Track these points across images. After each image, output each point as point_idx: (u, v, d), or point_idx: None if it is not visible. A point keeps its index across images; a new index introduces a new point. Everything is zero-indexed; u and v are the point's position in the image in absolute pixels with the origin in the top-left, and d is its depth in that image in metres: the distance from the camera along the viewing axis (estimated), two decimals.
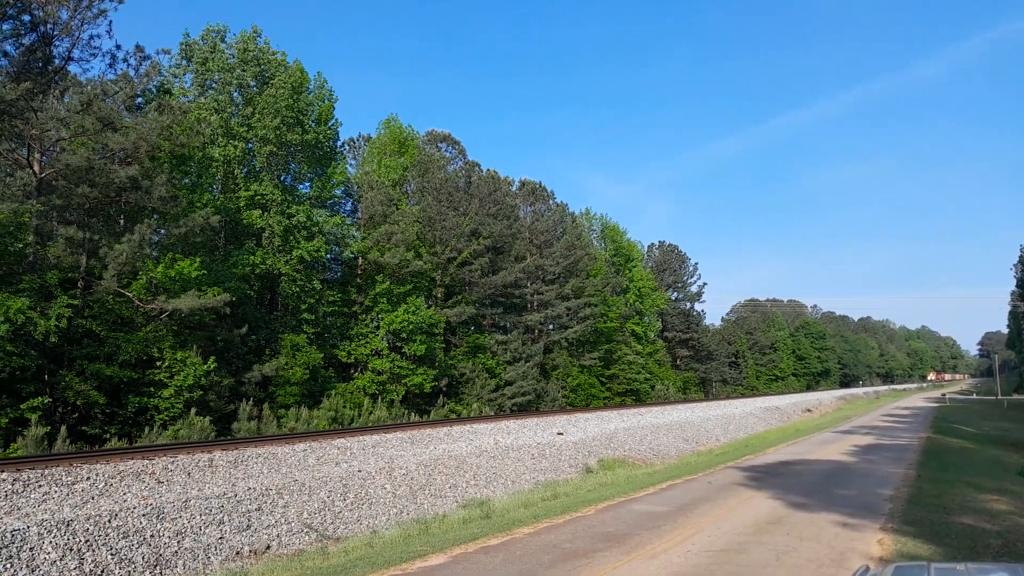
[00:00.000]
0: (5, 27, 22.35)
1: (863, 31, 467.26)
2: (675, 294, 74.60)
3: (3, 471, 11.76)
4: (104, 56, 25.07)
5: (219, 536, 11.60)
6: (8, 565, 9.19)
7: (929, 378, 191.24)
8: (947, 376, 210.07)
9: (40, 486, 11.47)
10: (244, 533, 11.97)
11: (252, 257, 29.06)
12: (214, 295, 23.63)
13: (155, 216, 25.19)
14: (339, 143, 37.15)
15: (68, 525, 10.19)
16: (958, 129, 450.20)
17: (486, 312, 42.60)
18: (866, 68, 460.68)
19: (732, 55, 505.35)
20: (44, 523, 10.02)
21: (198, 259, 24.81)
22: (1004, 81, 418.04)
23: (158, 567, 10.46)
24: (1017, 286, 75.65)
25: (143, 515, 11.12)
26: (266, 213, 30.66)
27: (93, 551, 10.05)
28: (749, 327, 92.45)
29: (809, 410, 57.18)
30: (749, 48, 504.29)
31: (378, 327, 33.48)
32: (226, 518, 12.03)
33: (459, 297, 40.17)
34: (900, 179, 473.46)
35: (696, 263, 77.00)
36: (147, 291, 23.34)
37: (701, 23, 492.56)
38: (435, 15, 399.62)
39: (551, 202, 53.23)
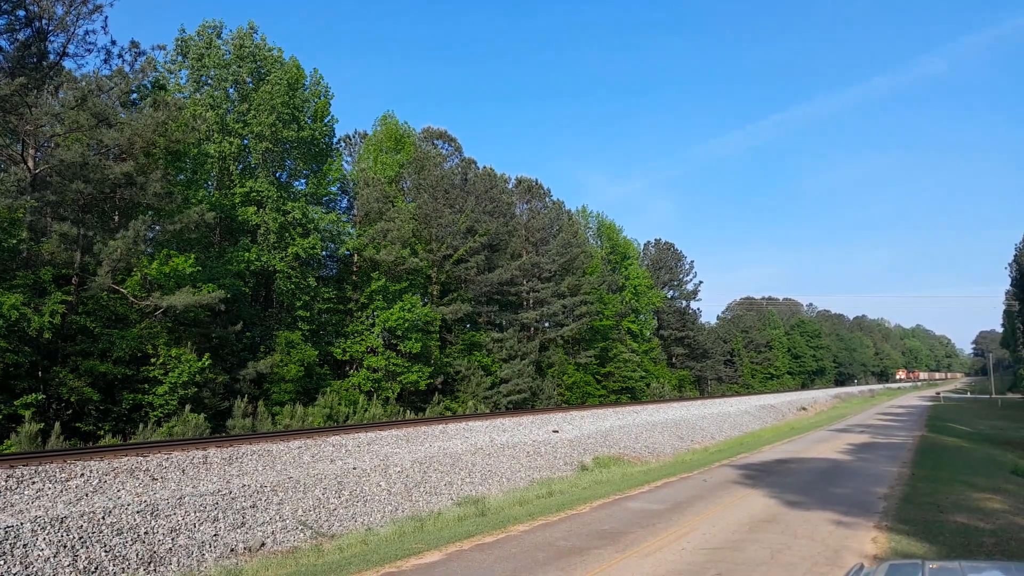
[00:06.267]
0: (0, 22, 22.23)
1: (861, 28, 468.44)
2: (671, 292, 74.68)
3: None
4: (99, 52, 24.99)
5: (213, 533, 11.58)
6: (2, 562, 9.15)
7: (898, 376, 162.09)
8: (922, 375, 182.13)
9: (34, 483, 11.42)
10: (239, 530, 11.95)
11: (247, 254, 28.98)
12: (209, 292, 23.55)
13: (150, 212, 25.09)
14: (335, 140, 37.09)
15: (62, 522, 10.15)
16: (955, 128, 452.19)
17: (482, 310, 42.54)
18: (866, 64, 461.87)
19: (732, 52, 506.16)
20: (38, 520, 9.98)
21: (193, 256, 24.74)
22: (1003, 80, 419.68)
23: (152, 564, 10.43)
24: (1012, 285, 75.91)
25: (137, 512, 11.09)
26: (261, 210, 30.58)
27: (87, 548, 10.01)
28: (745, 325, 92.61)
29: (804, 408, 57.39)
30: (748, 46, 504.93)
31: (373, 324, 33.44)
32: (221, 515, 12.00)
33: (455, 295, 40.12)
34: (898, 178, 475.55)
35: (692, 261, 77.35)
36: (141, 288, 23.27)
37: (699, 19, 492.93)
38: (433, 9, 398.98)
39: (547, 199, 53.26)
